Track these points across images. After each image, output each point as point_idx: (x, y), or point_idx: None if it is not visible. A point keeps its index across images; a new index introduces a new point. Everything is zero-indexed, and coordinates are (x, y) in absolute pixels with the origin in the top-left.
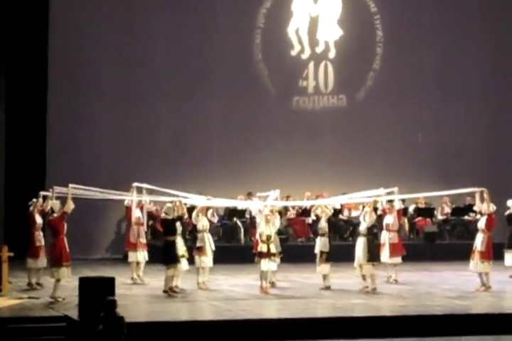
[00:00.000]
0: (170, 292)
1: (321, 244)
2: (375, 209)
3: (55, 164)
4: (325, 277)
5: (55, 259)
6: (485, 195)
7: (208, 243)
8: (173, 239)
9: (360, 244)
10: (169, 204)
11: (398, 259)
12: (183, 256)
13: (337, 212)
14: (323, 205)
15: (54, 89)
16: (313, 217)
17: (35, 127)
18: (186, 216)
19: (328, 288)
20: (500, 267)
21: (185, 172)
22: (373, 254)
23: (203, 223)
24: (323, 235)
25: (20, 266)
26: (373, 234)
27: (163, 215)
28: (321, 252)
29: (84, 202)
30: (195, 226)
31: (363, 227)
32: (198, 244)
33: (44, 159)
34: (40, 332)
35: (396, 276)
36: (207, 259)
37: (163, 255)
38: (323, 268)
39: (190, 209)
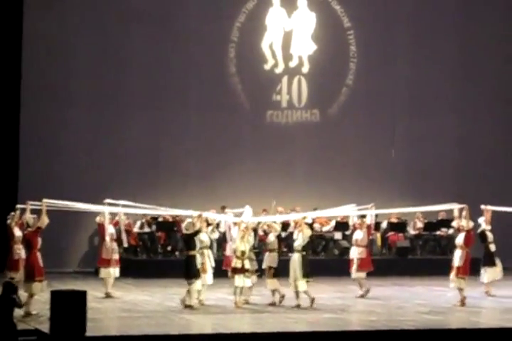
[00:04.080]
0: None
1: (269, 259)
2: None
3: (28, 177)
4: (273, 292)
5: (28, 274)
6: (464, 212)
7: (208, 259)
8: (193, 254)
9: (295, 260)
10: (189, 220)
11: (363, 274)
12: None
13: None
14: (271, 221)
15: (27, 100)
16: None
17: (7, 139)
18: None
19: (274, 304)
20: (476, 282)
21: (157, 185)
22: (307, 270)
23: (203, 239)
24: (271, 250)
25: None
26: (308, 250)
27: (184, 231)
28: (269, 267)
29: (56, 215)
30: None
31: (297, 244)
32: None
33: (17, 172)
34: None
35: (361, 289)
36: (207, 276)
37: (184, 270)
38: (271, 283)
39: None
